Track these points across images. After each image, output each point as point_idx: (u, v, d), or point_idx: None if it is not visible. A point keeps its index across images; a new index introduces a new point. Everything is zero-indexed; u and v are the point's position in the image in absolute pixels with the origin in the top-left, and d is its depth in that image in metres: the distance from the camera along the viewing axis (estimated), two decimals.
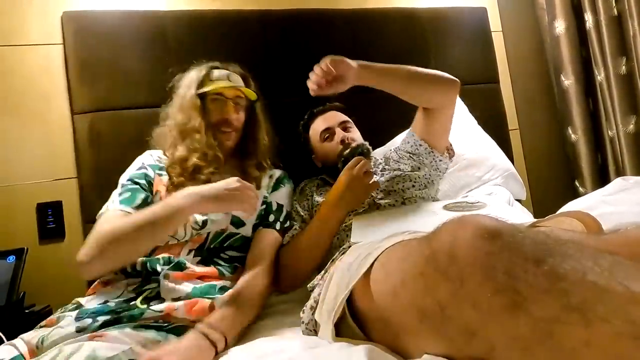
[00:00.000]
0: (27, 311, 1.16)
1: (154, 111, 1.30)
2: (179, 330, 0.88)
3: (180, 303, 0.91)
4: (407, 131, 1.40)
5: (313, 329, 0.90)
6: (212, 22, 1.58)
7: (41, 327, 0.88)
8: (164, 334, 0.86)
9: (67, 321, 0.86)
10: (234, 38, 1.59)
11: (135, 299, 0.94)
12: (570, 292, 0.45)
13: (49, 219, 1.38)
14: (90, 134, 1.40)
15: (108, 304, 0.91)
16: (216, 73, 1.21)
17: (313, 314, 0.90)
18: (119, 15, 1.49)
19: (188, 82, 1.20)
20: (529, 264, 0.48)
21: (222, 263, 1.09)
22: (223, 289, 1.03)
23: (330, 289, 0.85)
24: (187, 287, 0.98)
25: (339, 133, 1.31)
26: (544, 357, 0.46)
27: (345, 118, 1.36)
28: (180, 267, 1.02)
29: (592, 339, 0.43)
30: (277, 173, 1.29)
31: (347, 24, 1.73)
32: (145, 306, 0.90)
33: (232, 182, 0.97)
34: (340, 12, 1.75)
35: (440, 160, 1.33)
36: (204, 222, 1.08)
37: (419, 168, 1.34)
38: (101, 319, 0.85)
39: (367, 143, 1.31)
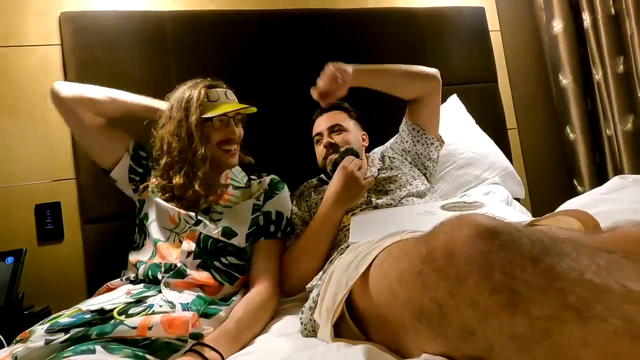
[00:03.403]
0: (26, 312, 1.16)
1: None
2: (156, 344, 0.84)
3: (157, 319, 0.83)
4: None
5: (312, 330, 0.90)
6: (211, 22, 1.58)
7: (17, 341, 0.86)
8: (141, 354, 0.81)
9: (37, 335, 0.82)
10: (232, 38, 1.59)
11: (133, 303, 0.92)
12: (567, 291, 0.45)
13: (48, 220, 1.37)
14: None
15: (84, 315, 0.86)
16: (214, 93, 1.15)
17: (312, 314, 0.90)
18: (117, 15, 1.48)
19: (184, 106, 1.12)
20: (527, 263, 0.48)
21: (222, 268, 1.09)
22: (224, 300, 1.03)
23: (330, 288, 0.85)
24: (185, 298, 0.97)
25: (326, 138, 1.34)
26: (541, 356, 0.46)
27: (337, 121, 1.36)
28: (180, 274, 1.01)
29: (590, 338, 0.43)
30: (268, 179, 1.25)
31: (345, 23, 1.73)
32: (122, 317, 0.86)
33: None
34: (339, 12, 1.75)
35: (432, 144, 1.40)
36: (197, 220, 1.08)
37: (414, 165, 1.39)
38: (72, 330, 0.81)
39: (354, 147, 1.31)
